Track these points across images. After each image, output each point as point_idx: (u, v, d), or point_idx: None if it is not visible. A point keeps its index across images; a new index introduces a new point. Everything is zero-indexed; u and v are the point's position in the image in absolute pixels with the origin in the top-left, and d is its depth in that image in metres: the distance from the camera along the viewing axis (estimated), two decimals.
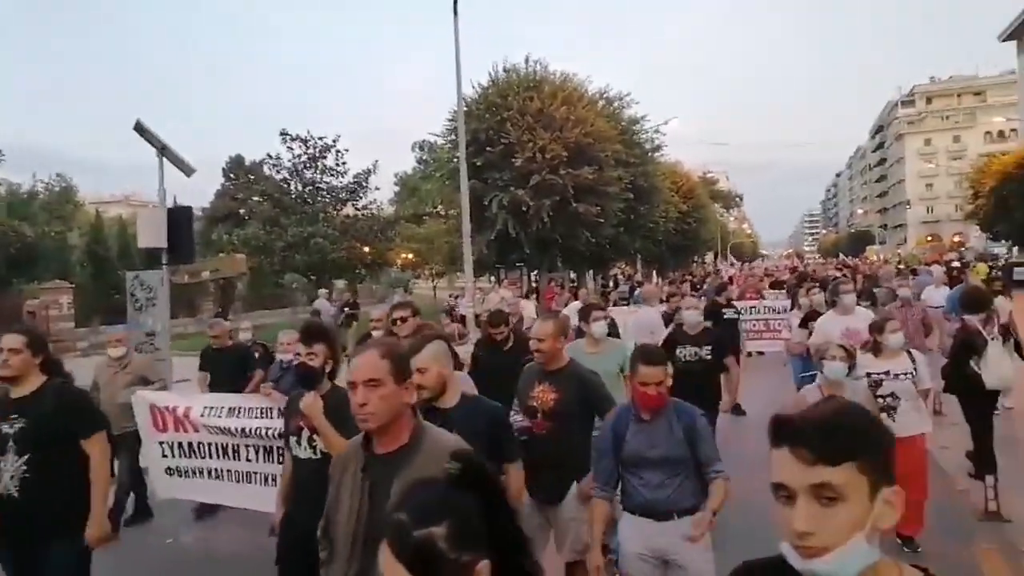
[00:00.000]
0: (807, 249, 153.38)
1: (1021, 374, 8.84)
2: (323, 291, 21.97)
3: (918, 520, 5.18)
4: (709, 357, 6.26)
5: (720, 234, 66.18)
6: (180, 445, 5.58)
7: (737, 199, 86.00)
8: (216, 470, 5.49)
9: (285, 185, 29.68)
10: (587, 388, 4.08)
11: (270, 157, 29.91)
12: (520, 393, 4.16)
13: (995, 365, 6.36)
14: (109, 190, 74.09)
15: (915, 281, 14.90)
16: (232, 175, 46.29)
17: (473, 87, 24.13)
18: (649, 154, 29.94)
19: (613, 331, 7.41)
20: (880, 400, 5.07)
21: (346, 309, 18.95)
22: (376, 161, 30.44)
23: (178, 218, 9.02)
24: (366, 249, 29.95)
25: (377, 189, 31.53)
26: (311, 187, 29.71)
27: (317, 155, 29.39)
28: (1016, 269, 29.90)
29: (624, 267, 40.84)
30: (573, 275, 31.63)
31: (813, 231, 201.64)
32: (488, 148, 22.60)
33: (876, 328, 5.38)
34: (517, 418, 3.94)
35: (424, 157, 45.50)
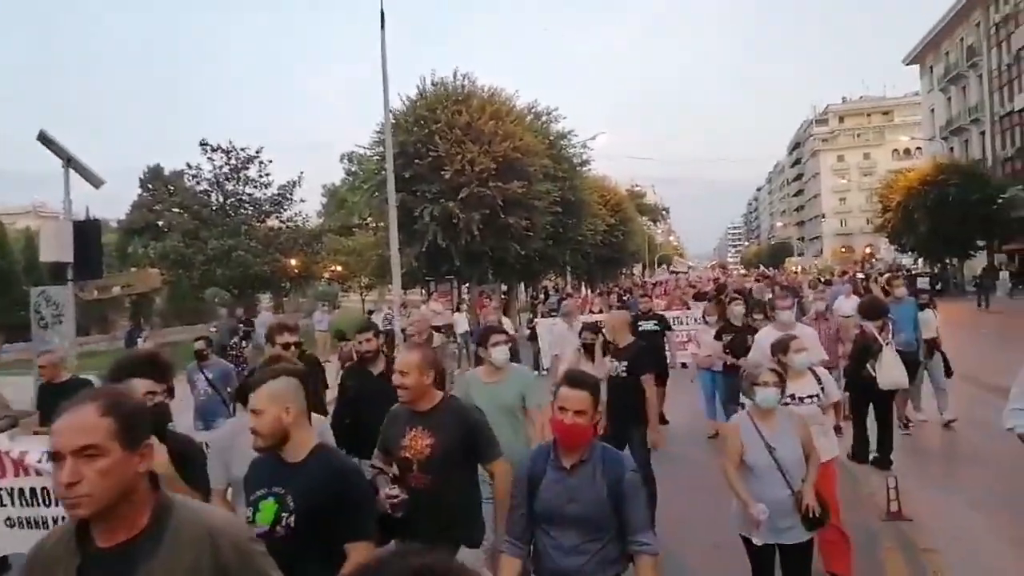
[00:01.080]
0: (731, 260, 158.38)
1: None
2: (265, 304, 21.24)
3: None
4: (625, 374, 5.93)
5: (648, 246, 67.57)
6: (22, 492, 4.79)
7: (663, 212, 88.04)
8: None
9: (205, 197, 28.90)
10: (469, 428, 3.41)
11: (190, 167, 29.13)
12: (387, 442, 3.46)
13: (888, 368, 6.98)
14: (16, 200, 70.21)
15: (829, 292, 15.54)
16: (150, 186, 44.70)
17: (401, 99, 24.04)
18: (577, 168, 30.38)
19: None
20: None
21: (241, 326, 15.77)
22: (301, 173, 30.06)
23: (85, 232, 8.66)
24: (292, 262, 29.39)
25: (303, 201, 31.15)
26: (233, 199, 29.02)
27: (239, 166, 28.75)
28: (919, 280, 31.64)
29: (554, 279, 41.24)
30: (504, 287, 31.73)
31: (736, 243, 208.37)
32: (417, 160, 22.50)
33: (780, 348, 4.85)
34: (392, 492, 3.21)
35: (353, 169, 45.00)
